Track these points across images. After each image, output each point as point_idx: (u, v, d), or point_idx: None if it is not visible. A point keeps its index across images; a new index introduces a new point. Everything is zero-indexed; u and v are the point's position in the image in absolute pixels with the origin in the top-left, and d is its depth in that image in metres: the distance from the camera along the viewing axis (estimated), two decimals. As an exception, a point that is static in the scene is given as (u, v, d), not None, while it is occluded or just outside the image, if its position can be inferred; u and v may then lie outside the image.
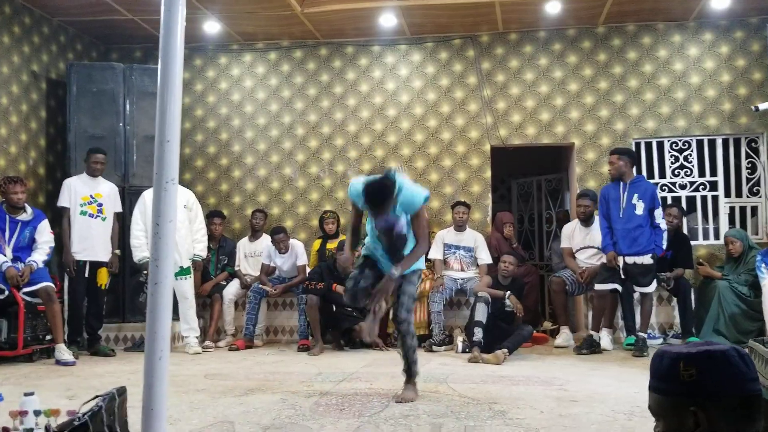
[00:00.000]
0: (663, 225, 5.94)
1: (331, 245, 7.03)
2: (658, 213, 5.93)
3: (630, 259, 5.86)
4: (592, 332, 6.07)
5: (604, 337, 6.19)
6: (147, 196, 6.37)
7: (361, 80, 7.83)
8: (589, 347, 5.90)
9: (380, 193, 3.82)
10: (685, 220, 7.33)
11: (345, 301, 4.52)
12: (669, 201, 7.08)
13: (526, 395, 4.09)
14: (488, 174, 7.54)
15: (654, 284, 5.98)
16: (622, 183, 5.99)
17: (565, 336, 6.50)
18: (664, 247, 5.97)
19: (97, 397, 2.79)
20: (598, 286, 6.12)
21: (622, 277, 5.91)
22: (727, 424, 1.35)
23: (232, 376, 4.92)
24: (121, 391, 2.88)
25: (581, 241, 6.68)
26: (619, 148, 6.34)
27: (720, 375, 1.37)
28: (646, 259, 5.84)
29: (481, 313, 5.87)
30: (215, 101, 8.04)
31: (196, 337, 6.37)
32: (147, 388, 2.28)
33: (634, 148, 7.27)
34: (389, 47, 7.82)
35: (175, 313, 6.42)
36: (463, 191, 7.46)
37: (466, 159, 7.57)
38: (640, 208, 5.87)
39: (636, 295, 6.10)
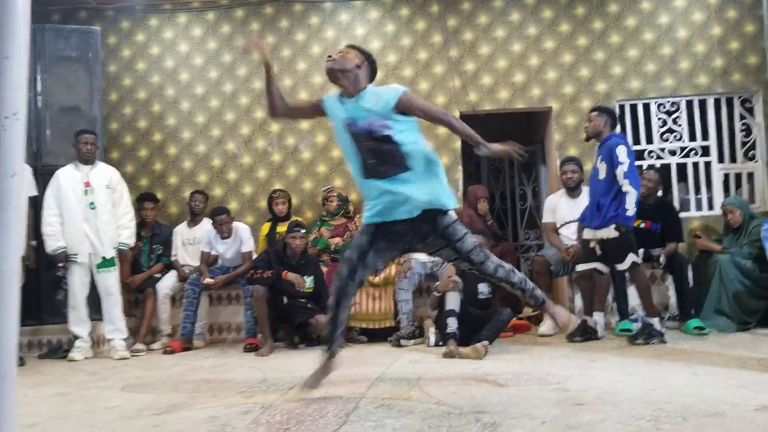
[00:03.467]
0: (626, 187, 4.87)
1: (282, 228, 6.15)
2: (619, 172, 4.88)
3: (599, 233, 5.07)
4: (585, 317, 5.30)
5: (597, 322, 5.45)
6: (61, 176, 5.46)
7: (312, 41, 6.94)
8: (583, 334, 5.14)
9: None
10: (675, 188, 6.64)
11: (330, 301, 3.52)
12: (658, 167, 6.36)
13: (520, 399, 3.27)
14: (458, 144, 6.72)
15: (629, 260, 5.01)
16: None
17: (549, 323, 5.73)
18: (631, 212, 4.88)
19: None
20: (579, 267, 5.36)
21: (598, 253, 5.15)
22: None
23: (155, 386, 4.01)
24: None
25: (566, 215, 5.92)
26: (601, 106, 5.47)
27: None
28: (610, 232, 4.98)
29: (453, 301, 5.09)
30: (145, 69, 7.07)
31: (123, 340, 5.44)
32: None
33: (618, 111, 6.55)
34: (343, 4, 6.94)
35: (99, 313, 5.51)
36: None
37: (433, 127, 6.68)
38: (603, 172, 5.03)
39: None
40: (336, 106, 3.42)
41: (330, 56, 3.42)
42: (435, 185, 3.33)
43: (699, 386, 3.37)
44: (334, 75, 3.37)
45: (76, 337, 5.39)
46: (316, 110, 3.56)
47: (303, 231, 5.57)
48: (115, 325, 5.43)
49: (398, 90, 3.33)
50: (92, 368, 4.85)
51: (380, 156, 3.28)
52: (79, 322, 5.39)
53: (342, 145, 3.45)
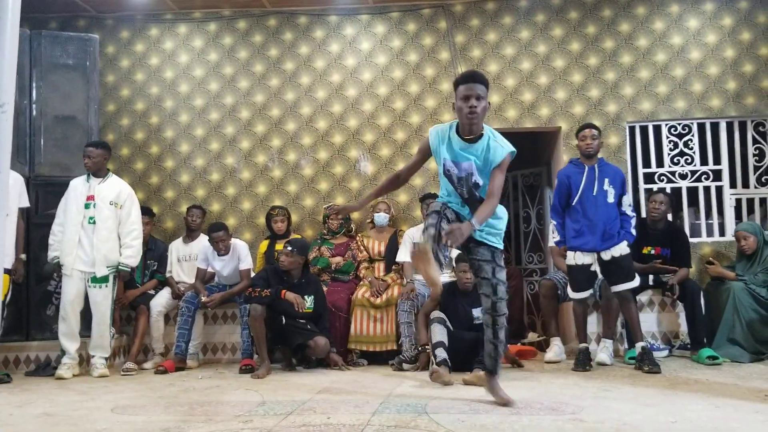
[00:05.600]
0: (629, 211, 5.09)
1: (280, 246, 5.94)
2: (626, 200, 5.12)
3: (607, 254, 4.93)
4: (583, 345, 5.10)
5: (604, 350, 5.22)
6: (71, 186, 5.46)
7: (316, 55, 6.80)
8: (584, 364, 4.95)
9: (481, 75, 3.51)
10: (686, 214, 6.47)
11: (425, 234, 3.44)
12: (668, 191, 6.19)
13: (534, 430, 3.07)
14: (463, 163, 6.55)
15: (638, 278, 5.01)
16: (586, 166, 5.07)
17: (556, 349, 5.53)
18: (634, 234, 5.07)
19: None
20: (577, 294, 5.13)
21: (600, 276, 5.02)
22: None
23: (147, 408, 3.79)
24: None
25: (574, 238, 5.72)
26: (593, 124, 5.37)
27: None
28: (623, 248, 4.93)
29: (440, 333, 4.90)
30: (144, 79, 6.92)
31: (105, 358, 5.23)
32: None
33: (628, 133, 6.42)
34: (349, 17, 6.81)
35: (89, 330, 5.31)
36: (435, 183, 6.45)
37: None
38: (611, 195, 5.00)
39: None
40: (442, 145, 3.56)
41: (473, 107, 3.42)
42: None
43: (723, 420, 3.17)
44: (472, 122, 3.46)
45: (63, 353, 5.17)
46: (425, 157, 3.74)
47: (291, 249, 5.33)
48: (98, 342, 5.22)
49: (507, 150, 3.48)
50: (81, 387, 4.61)
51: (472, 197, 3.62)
52: (68, 335, 5.17)
53: (443, 173, 3.64)
